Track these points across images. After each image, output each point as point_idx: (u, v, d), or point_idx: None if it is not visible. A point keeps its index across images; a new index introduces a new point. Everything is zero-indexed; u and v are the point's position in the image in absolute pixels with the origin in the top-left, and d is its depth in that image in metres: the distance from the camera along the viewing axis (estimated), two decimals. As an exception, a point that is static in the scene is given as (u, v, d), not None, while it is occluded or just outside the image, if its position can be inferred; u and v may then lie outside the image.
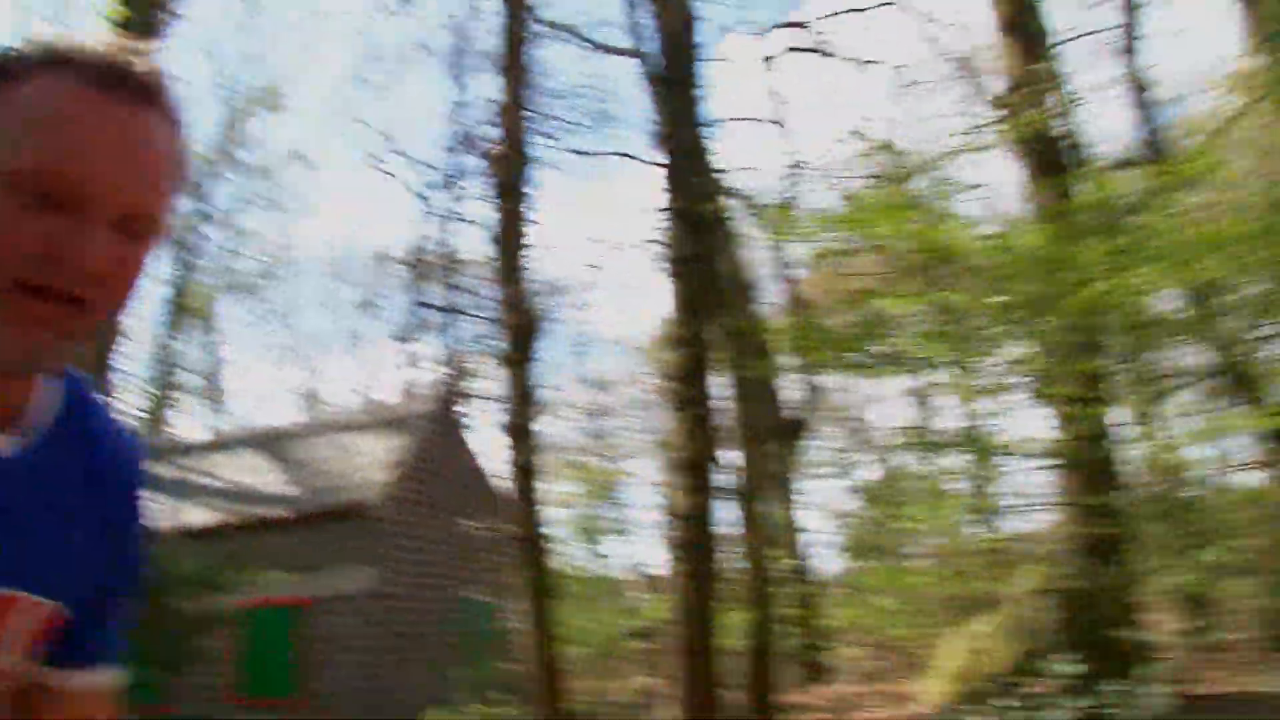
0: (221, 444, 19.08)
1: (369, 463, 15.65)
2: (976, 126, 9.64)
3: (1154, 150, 14.28)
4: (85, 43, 0.94)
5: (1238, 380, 9.08)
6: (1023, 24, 10.95)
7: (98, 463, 1.11)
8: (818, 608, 17.02)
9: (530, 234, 9.66)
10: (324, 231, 54.42)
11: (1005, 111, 9.21)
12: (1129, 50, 15.93)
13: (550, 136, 19.18)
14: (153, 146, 0.93)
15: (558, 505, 21.29)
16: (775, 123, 18.15)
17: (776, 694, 10.90)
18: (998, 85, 11.04)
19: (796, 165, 17.35)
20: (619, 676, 16.44)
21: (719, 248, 8.60)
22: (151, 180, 0.93)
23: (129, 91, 0.92)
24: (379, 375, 43.54)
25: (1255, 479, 12.19)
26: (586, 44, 18.32)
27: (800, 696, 14.45)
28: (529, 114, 11.00)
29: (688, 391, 7.77)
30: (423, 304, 27.16)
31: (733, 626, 11.42)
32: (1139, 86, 15.15)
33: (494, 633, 15.33)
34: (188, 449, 18.86)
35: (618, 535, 27.01)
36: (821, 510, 23.39)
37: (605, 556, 23.90)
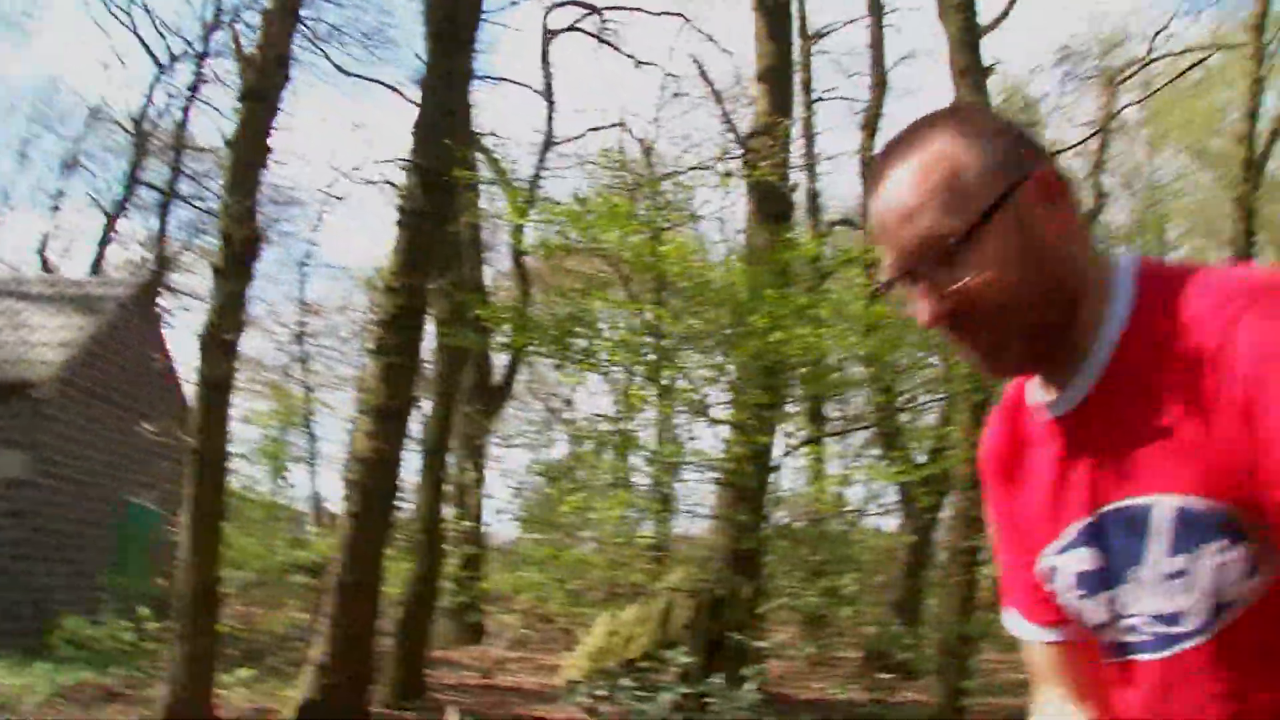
0: None
1: (41, 339, 14.31)
2: (720, 157, 10.29)
3: (866, 223, 15.76)
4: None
5: (886, 438, 10.37)
6: (779, 75, 11.75)
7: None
8: (483, 571, 17.46)
9: (270, 144, 9.24)
10: (35, 67, 48.37)
11: (745, 151, 9.90)
12: (871, 125, 17.51)
13: (317, 44, 18.34)
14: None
15: (247, 423, 20.39)
16: (544, 95, 18.31)
17: (427, 646, 11.14)
18: (746, 124, 11.83)
19: (554, 144, 17.64)
20: (277, 607, 16.08)
21: (454, 208, 8.64)
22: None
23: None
24: (71, 244, 39.57)
25: (885, 523, 13.90)
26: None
27: (451, 652, 14.82)
28: (299, 19, 10.51)
29: (391, 339, 7.79)
30: (139, 179, 25.16)
31: (397, 575, 11.53)
32: (871, 159, 16.65)
33: (155, 543, 14.54)
34: None
35: (303, 465, 26.24)
36: (505, 478, 23.89)
37: (286, 484, 23.19)
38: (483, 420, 14.60)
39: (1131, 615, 1.17)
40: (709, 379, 7.55)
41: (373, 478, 7.87)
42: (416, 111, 8.44)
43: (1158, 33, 20.16)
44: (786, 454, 9.19)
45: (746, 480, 7.71)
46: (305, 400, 25.54)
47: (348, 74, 18.34)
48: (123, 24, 29.91)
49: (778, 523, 9.11)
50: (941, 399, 9.83)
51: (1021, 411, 1.29)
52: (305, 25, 15.18)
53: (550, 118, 19.17)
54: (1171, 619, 1.12)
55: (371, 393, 7.83)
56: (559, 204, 7.16)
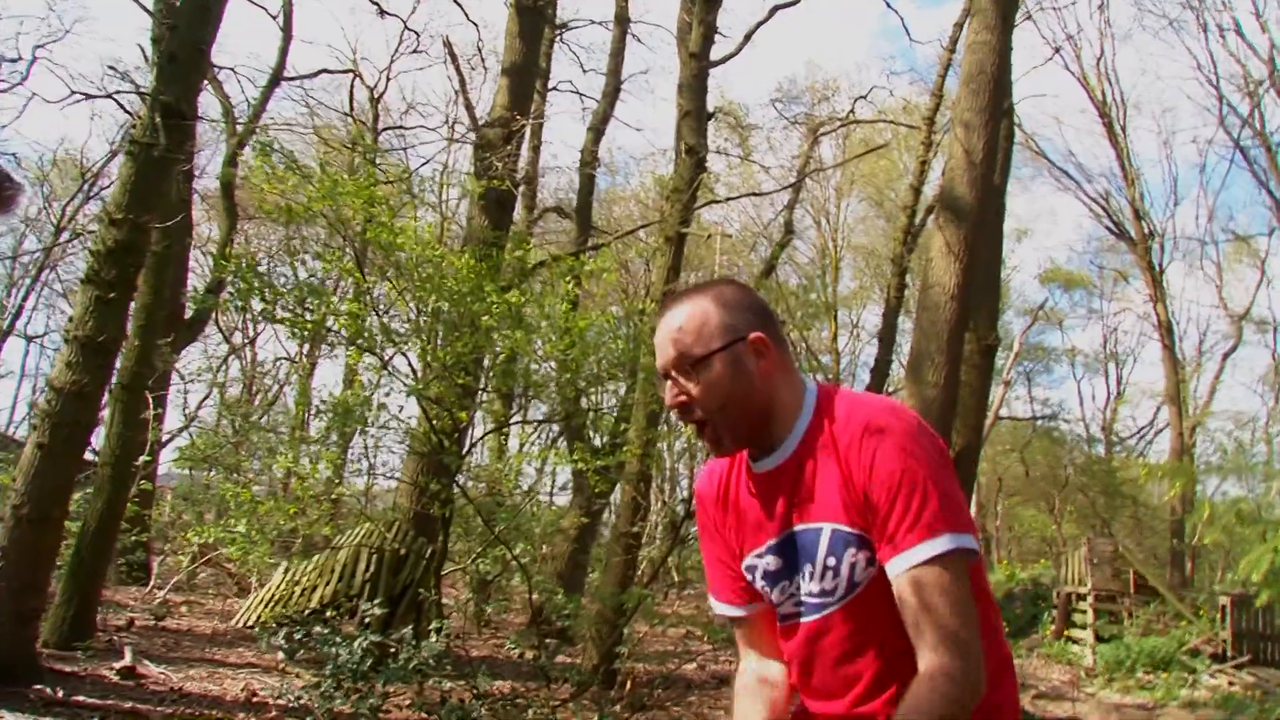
0: None
1: None
2: (453, 140, 10.76)
3: (581, 212, 16.79)
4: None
5: (572, 429, 11.42)
6: (523, 72, 12.37)
7: None
8: (156, 510, 16.76)
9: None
10: None
11: (478, 140, 10.46)
12: (602, 122, 18.58)
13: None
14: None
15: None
16: (281, 24, 17.72)
17: (99, 587, 10.73)
18: (477, 98, 12.36)
19: (280, 79, 17.08)
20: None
21: (183, 145, 8.53)
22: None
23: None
24: None
25: (560, 502, 15.03)
26: None
27: (116, 594, 14.19)
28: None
29: (109, 272, 7.63)
30: None
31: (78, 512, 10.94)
32: (592, 157, 17.68)
33: None
34: None
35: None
36: (188, 417, 22.82)
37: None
38: (169, 354, 14.09)
39: (802, 594, 1.91)
40: (420, 355, 8.08)
41: (68, 410, 7.57)
42: (164, 39, 8.20)
43: (859, 98, 22.78)
44: (484, 435, 9.91)
45: (442, 453, 8.35)
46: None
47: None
48: None
49: (465, 492, 9.81)
50: (618, 405, 11.00)
51: (737, 465, 2.03)
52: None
53: (285, 50, 18.60)
54: (826, 594, 1.86)
55: (78, 323, 7.61)
56: (300, 168, 7.34)
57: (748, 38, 19.69)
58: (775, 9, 19.26)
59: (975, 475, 11.96)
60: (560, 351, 7.88)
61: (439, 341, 7.75)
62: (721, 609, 2.14)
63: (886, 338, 21.15)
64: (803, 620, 1.93)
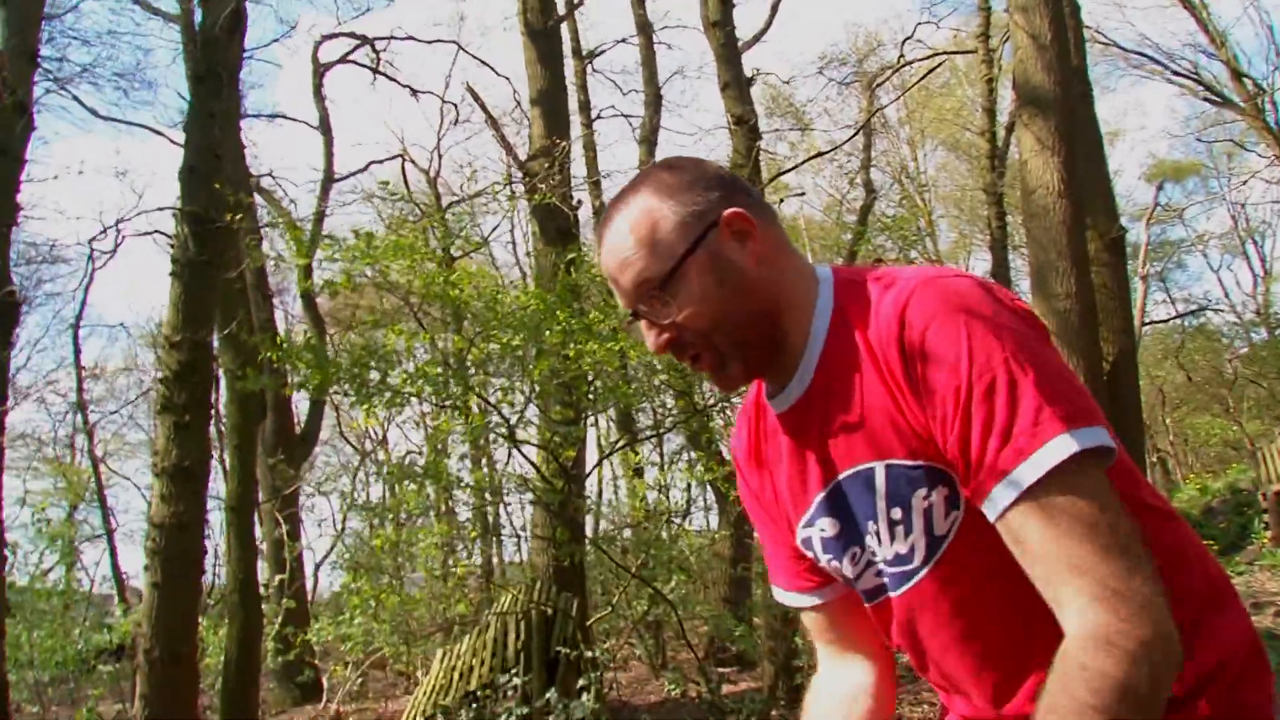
0: None
1: None
2: (501, 183, 10.42)
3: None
4: None
5: (693, 438, 10.78)
6: (552, 99, 12.01)
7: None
8: (310, 625, 16.78)
9: (19, 199, 8.66)
10: None
11: (526, 175, 10.08)
12: (651, 140, 18.09)
13: (63, 85, 17.22)
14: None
15: (24, 506, 18.85)
16: (321, 129, 17.92)
17: (258, 712, 10.63)
18: (524, 148, 12.04)
19: (332, 179, 17.30)
20: (80, 701, 14.89)
21: (231, 253, 8.36)
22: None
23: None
24: None
25: (706, 521, 14.32)
26: None
27: (291, 715, 14.17)
28: (39, 61, 9.88)
29: (178, 396, 7.45)
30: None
31: (214, 643, 10.93)
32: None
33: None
34: None
35: (99, 543, 24.43)
36: (322, 527, 23.10)
37: (75, 565, 21.49)
38: (289, 470, 14.07)
39: (875, 563, 1.41)
40: (509, 401, 7.62)
41: (173, 543, 7.50)
42: (182, 156, 8.12)
43: (905, 39, 21.73)
44: (596, 465, 9.40)
45: (558, 497, 7.83)
46: (92, 473, 23.75)
47: (102, 118, 17.31)
48: None
49: (599, 534, 9.26)
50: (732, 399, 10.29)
51: (760, 409, 1.53)
52: (47, 68, 14.21)
53: (330, 153, 18.74)
54: (903, 559, 1.36)
55: (162, 454, 7.46)
56: (340, 241, 7.04)
57: (775, 9, 19.04)
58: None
59: (1137, 384, 10.77)
60: (651, 355, 7.27)
61: (517, 379, 7.27)
62: (789, 599, 1.62)
63: (1000, 275, 19.87)
64: (891, 596, 1.43)
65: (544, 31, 12.87)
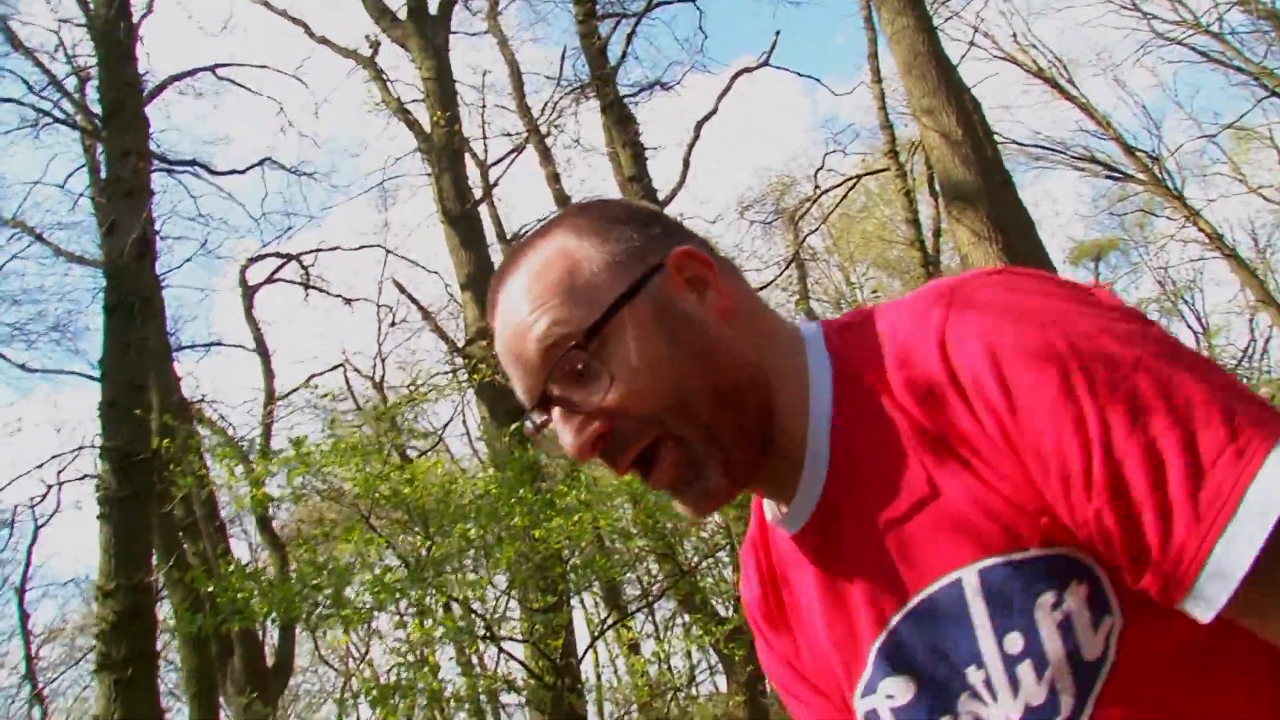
0: None
1: None
2: (442, 372, 10.14)
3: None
4: None
5: (685, 601, 10.18)
6: (481, 282, 11.94)
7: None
8: None
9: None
10: None
11: (465, 360, 9.83)
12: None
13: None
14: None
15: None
16: (256, 350, 17.67)
17: None
18: (461, 335, 11.92)
19: (274, 398, 16.95)
20: None
21: (164, 487, 7.85)
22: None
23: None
24: None
25: (714, 685, 13.50)
26: (44, 246, 16.47)
27: None
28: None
29: (118, 651, 6.78)
30: None
31: None
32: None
33: None
34: None
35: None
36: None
37: None
38: (264, 707, 13.06)
39: None
40: (479, 596, 7.05)
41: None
42: (102, 396, 7.71)
43: (817, 170, 22.30)
44: (588, 648, 8.71)
45: (549, 695, 7.16)
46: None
47: (32, 370, 16.89)
48: None
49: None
50: (729, 551, 9.80)
51: (767, 537, 1.07)
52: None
53: (269, 372, 18.41)
54: (1042, 713, 0.86)
55: (102, 716, 6.73)
56: (274, 454, 6.60)
57: (686, 163, 19.46)
58: (699, 124, 19.03)
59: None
60: (620, 520, 6.82)
61: (487, 571, 6.73)
62: None
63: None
64: None
65: (462, 217, 12.93)
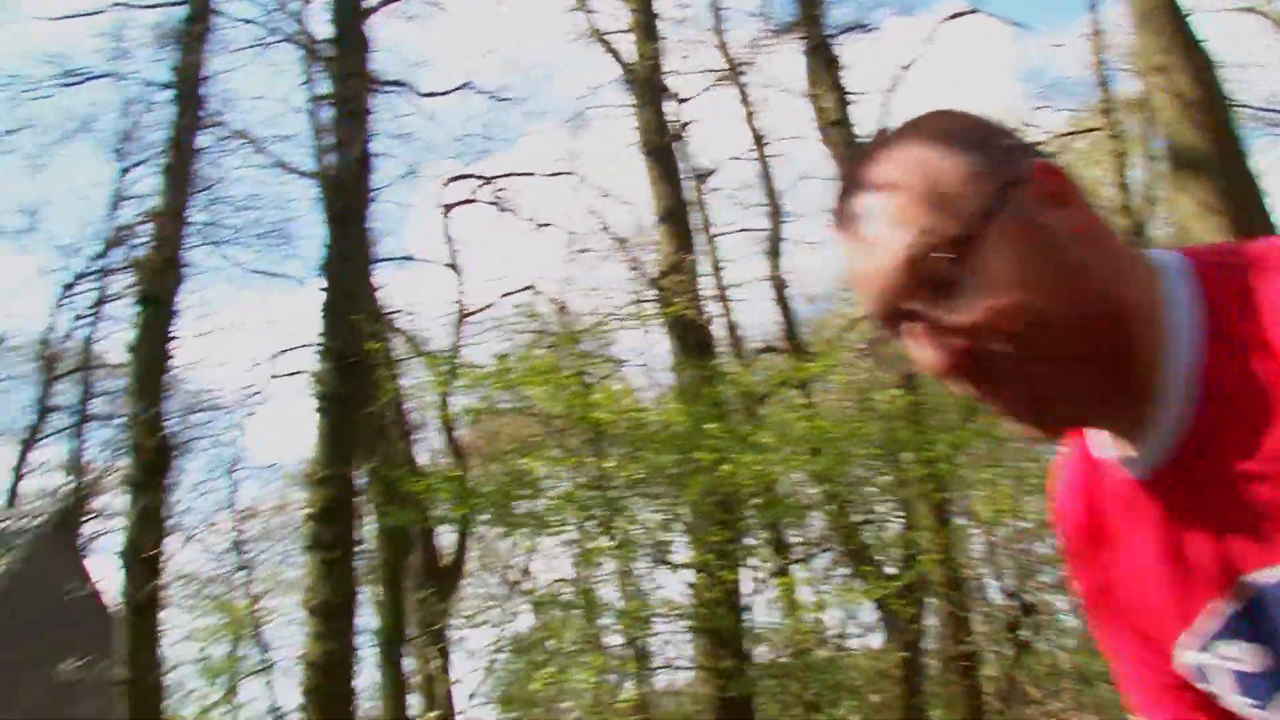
0: None
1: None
2: (633, 303, 10.31)
3: (793, 343, 16.02)
4: None
5: (853, 554, 10.14)
6: (678, 216, 11.98)
7: None
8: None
9: (174, 348, 8.95)
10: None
11: (656, 293, 9.94)
12: (774, 251, 17.87)
13: (214, 245, 18.24)
14: None
15: (186, 642, 19.27)
16: (450, 267, 18.40)
17: None
18: (654, 267, 12.01)
19: (467, 315, 17.64)
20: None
21: (372, 389, 8.38)
22: None
23: None
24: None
25: (871, 642, 13.45)
26: (266, 157, 17.70)
27: None
28: (189, 221, 10.41)
29: (326, 533, 7.36)
30: (49, 406, 24.37)
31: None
32: (780, 284, 16.98)
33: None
34: None
35: (252, 678, 24.73)
36: (472, 660, 22.79)
37: (237, 701, 21.71)
38: (437, 603, 13.91)
39: None
40: (661, 524, 7.23)
41: (327, 680, 7.33)
42: (321, 297, 8.27)
43: (1024, 126, 21.16)
44: (756, 589, 8.84)
45: (720, 623, 7.32)
46: (251, 610, 24.25)
47: (255, 272, 18.25)
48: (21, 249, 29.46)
49: (761, 661, 8.65)
50: (900, 506, 9.66)
51: (1094, 471, 1.04)
52: (203, 228, 15.03)
53: (460, 289, 19.17)
54: None
55: (312, 591, 7.34)
56: (478, 367, 6.93)
57: (886, 107, 18.83)
58: (902, 69, 18.31)
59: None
60: (808, 465, 6.81)
61: (668, 499, 6.88)
62: None
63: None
64: None
65: (661, 150, 12.96)
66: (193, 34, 10.79)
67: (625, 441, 6.98)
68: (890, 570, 9.78)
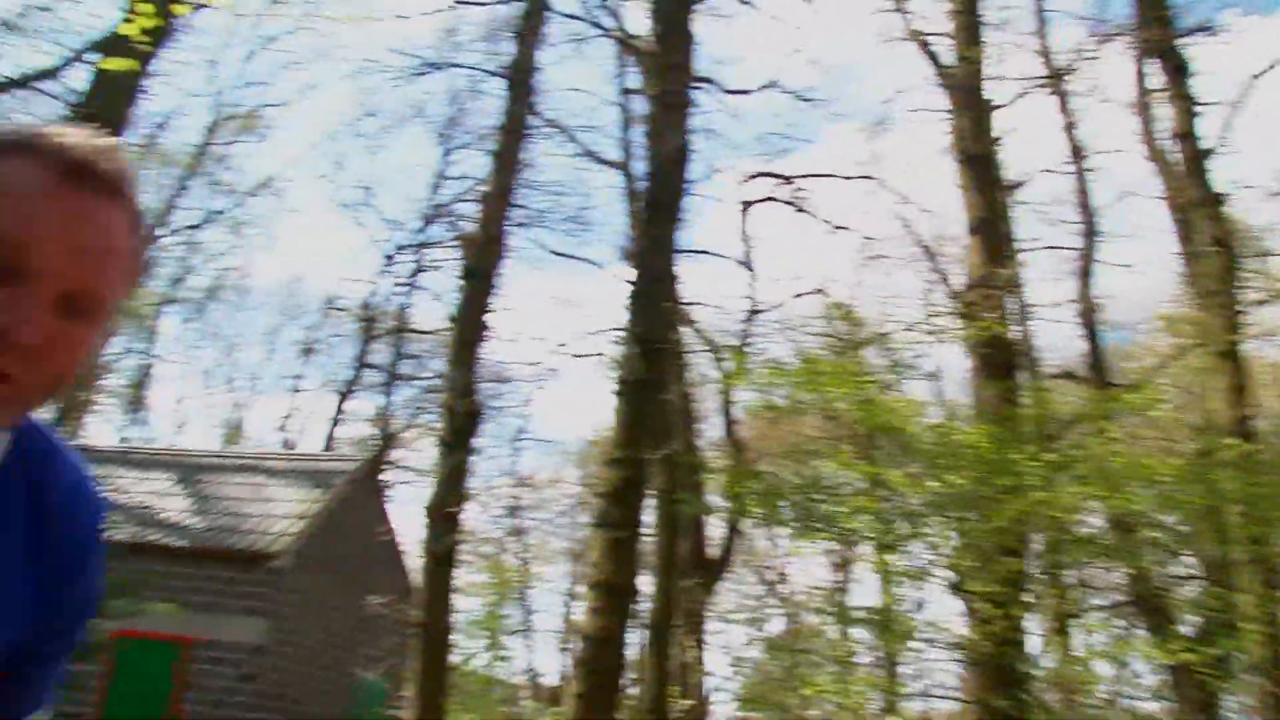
0: (130, 458, 18.31)
1: (279, 511, 15.12)
2: (934, 314, 9.88)
3: (1096, 371, 14.80)
4: (57, 132, 0.97)
5: (1149, 609, 9.23)
6: (990, 227, 11.34)
7: (42, 511, 1.06)
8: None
9: (488, 320, 9.58)
10: (280, 267, 53.98)
11: (962, 306, 9.47)
12: (1085, 272, 16.58)
13: (526, 228, 19.39)
14: (104, 232, 0.94)
15: (467, 596, 20.72)
16: (744, 264, 18.50)
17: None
18: (959, 279, 11.43)
19: (757, 312, 17.68)
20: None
21: (670, 377, 8.57)
22: (99, 261, 0.94)
23: (90, 182, 0.94)
24: (308, 423, 42.54)
25: (1154, 708, 12.23)
26: (579, 148, 18.62)
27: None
28: (511, 203, 11.10)
29: (615, 512, 7.62)
30: (365, 363, 26.99)
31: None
32: (1089, 308, 15.73)
33: (380, 717, 14.61)
34: (94, 455, 17.94)
35: (519, 637, 26.26)
36: (726, 654, 22.93)
37: (505, 658, 23.10)
38: (702, 594, 14.10)
39: None
40: (960, 546, 6.88)
41: (600, 656, 7.57)
42: (629, 281, 8.55)
43: None
44: (1052, 630, 8.23)
45: (1002, 659, 6.89)
46: (520, 573, 25.80)
47: (557, 254, 19.20)
48: (356, 222, 32.61)
49: (1035, 704, 8.07)
50: (1217, 566, 8.67)
51: None
52: (517, 209, 16.08)
53: (752, 286, 19.25)
54: None
55: (597, 568, 7.63)
56: (783, 366, 6.89)
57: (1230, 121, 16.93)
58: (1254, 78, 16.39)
59: None
60: (1127, 503, 6.23)
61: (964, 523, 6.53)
62: None
63: None
64: None
65: (978, 157, 12.36)
66: (528, 27, 11.46)
67: (926, 457, 6.72)
68: (1188, 631, 8.82)
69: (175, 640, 13.54)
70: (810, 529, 6.39)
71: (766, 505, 6.51)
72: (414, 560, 16.47)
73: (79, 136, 0.97)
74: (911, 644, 8.38)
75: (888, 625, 7.23)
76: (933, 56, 14.57)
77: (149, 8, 5.72)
